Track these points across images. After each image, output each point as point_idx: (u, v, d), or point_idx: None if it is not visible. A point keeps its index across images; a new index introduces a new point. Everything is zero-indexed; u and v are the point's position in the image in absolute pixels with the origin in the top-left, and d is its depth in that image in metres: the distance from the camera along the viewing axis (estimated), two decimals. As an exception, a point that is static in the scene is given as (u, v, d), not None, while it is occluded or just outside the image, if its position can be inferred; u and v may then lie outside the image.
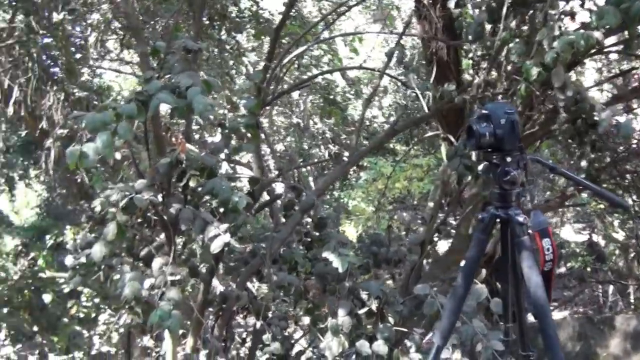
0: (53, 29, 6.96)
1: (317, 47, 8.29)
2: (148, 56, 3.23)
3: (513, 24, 3.49)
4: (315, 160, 10.08)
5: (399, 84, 9.26)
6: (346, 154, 9.78)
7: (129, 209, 2.76)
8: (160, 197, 2.93)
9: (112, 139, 2.50)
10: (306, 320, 3.89)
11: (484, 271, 4.06)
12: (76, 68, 7.75)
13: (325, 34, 6.86)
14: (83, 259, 3.20)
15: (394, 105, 11.67)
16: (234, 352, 3.86)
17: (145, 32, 6.67)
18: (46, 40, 7.15)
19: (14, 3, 6.78)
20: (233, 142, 3.16)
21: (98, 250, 2.82)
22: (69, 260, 3.31)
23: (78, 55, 8.12)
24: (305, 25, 7.50)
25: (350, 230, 7.91)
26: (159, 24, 7.25)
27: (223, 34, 7.38)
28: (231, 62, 7.98)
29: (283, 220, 3.85)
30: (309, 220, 3.57)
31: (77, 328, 7.90)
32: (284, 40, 6.32)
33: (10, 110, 7.10)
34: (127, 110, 2.57)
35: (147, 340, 5.58)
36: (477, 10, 3.75)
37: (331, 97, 9.53)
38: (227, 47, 7.58)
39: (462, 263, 2.29)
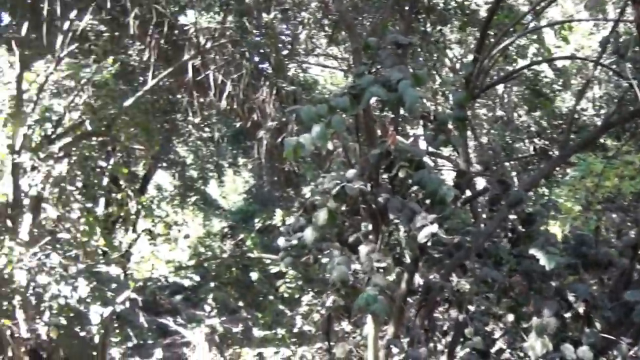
0: (264, 28, 7.48)
1: (525, 37, 7.96)
2: (360, 51, 3.36)
3: None
4: (520, 155, 9.70)
5: (610, 73, 8.61)
6: (553, 149, 9.31)
7: (340, 197, 2.91)
8: (369, 187, 3.04)
9: (327, 131, 2.66)
10: (507, 319, 3.79)
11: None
12: (284, 64, 8.25)
13: (532, 23, 6.56)
14: (294, 241, 3.43)
15: (604, 97, 10.84)
16: (430, 344, 3.87)
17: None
18: (256, 39, 7.70)
19: (225, 7, 7.39)
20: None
21: (309, 234, 3.01)
22: (281, 241, 3.56)
23: (285, 52, 8.61)
24: (512, 16, 7.25)
25: (555, 230, 7.48)
26: (367, 20, 7.45)
27: (428, 27, 7.38)
28: (435, 55, 7.95)
29: (484, 215, 3.79)
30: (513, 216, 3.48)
31: (281, 307, 8.43)
32: (489, 32, 6.18)
33: (223, 103, 7.76)
34: (340, 104, 2.72)
35: (346, 325, 5.81)
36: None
37: (537, 88, 9.10)
38: (432, 39, 7.57)
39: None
